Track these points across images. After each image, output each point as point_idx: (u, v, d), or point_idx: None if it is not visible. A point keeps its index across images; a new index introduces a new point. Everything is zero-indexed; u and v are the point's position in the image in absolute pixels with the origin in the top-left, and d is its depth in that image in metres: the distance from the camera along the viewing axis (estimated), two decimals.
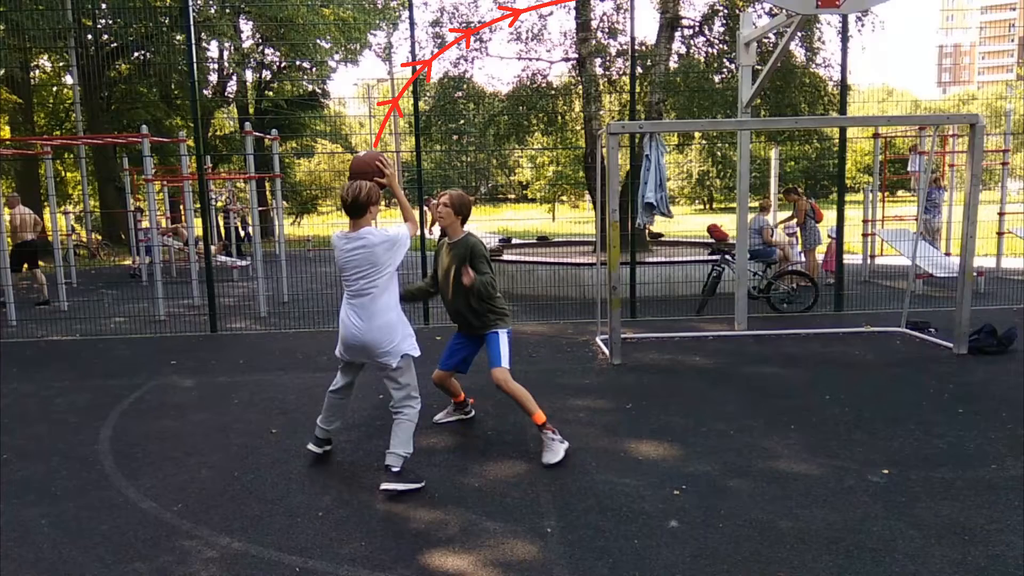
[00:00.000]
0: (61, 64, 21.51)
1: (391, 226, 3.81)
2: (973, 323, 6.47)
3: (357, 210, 3.69)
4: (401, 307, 3.89)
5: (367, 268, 3.68)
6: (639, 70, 11.71)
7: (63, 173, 23.97)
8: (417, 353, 3.84)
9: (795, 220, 10.45)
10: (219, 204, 17.47)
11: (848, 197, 9.77)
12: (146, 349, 7.42)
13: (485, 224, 25.66)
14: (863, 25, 12.12)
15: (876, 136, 11.44)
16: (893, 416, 4.73)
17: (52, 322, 8.89)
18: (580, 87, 12.77)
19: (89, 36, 18.97)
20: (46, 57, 21.53)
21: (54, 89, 22.48)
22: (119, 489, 3.83)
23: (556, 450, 4.09)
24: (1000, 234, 11.16)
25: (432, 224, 4.60)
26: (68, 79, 20.50)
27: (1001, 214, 11.09)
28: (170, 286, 11.12)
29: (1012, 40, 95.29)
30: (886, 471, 3.85)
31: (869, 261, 11.34)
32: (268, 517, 3.47)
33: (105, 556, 3.14)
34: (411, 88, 8.52)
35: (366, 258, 3.67)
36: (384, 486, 3.65)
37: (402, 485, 3.66)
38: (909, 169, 13.09)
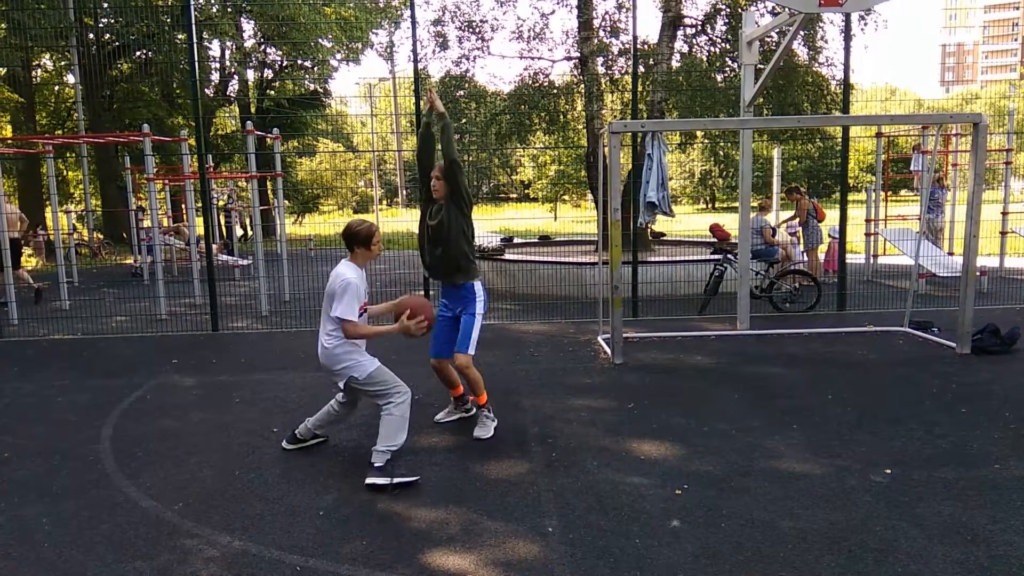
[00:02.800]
0: (63, 63, 21.50)
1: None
2: (976, 323, 6.45)
3: (347, 243, 3.95)
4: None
5: (325, 300, 3.95)
6: (641, 69, 11.68)
7: (65, 172, 23.98)
8: (362, 376, 3.85)
9: (797, 219, 10.44)
10: (220, 203, 17.48)
11: (850, 196, 9.74)
12: (147, 348, 7.42)
13: (487, 223, 25.62)
14: (866, 24, 12.09)
15: (879, 135, 11.42)
16: (895, 416, 4.71)
17: (53, 321, 8.89)
18: (582, 86, 12.74)
19: (91, 35, 18.99)
20: (48, 56, 21.55)
21: (56, 88, 22.48)
22: (120, 488, 3.83)
23: (488, 427, 4.48)
24: (1003, 233, 11.14)
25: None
26: (70, 78, 20.49)
27: (1004, 213, 11.07)
28: (172, 285, 11.11)
29: (1015, 39, 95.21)
30: (888, 471, 3.84)
31: (871, 261, 11.32)
32: (269, 516, 3.47)
33: (106, 555, 3.13)
34: (412, 87, 8.53)
35: (326, 291, 3.94)
36: (367, 480, 3.72)
37: (385, 479, 3.70)
38: (912, 168, 13.08)
